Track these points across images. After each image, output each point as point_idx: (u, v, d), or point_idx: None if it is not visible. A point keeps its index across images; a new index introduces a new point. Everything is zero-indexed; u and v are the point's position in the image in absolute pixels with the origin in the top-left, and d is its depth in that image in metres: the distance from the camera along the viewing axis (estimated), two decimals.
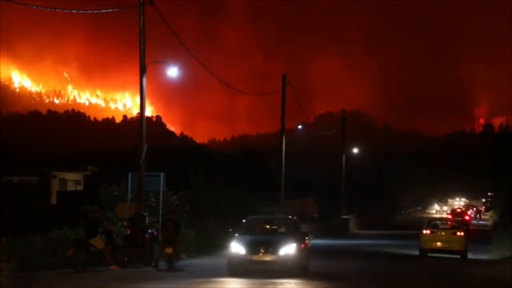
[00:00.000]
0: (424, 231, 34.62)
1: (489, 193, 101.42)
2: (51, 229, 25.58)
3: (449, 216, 68.32)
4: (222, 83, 42.08)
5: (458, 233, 34.14)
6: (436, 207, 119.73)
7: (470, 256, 34.44)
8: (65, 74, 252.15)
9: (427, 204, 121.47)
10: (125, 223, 26.90)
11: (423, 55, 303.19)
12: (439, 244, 33.93)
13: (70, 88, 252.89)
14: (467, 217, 72.10)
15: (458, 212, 76.18)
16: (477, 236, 47.07)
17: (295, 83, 49.13)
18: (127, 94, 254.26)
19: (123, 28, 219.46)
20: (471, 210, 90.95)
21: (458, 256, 33.61)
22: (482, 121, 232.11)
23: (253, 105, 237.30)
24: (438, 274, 26.21)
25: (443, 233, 34.53)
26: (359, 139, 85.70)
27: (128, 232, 25.42)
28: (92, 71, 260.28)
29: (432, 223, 36.17)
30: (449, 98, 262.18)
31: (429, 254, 34.07)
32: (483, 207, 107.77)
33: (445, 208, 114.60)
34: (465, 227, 38.28)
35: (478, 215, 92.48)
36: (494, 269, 28.36)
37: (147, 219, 26.28)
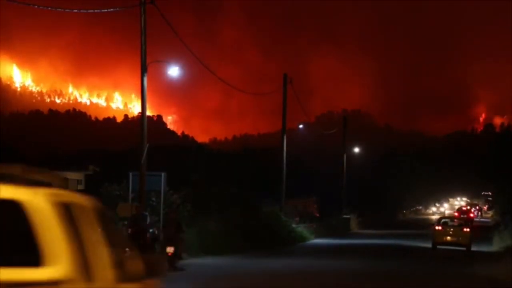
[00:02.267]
0: (436, 227, 40.25)
1: (483, 192, 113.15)
2: None
3: (456, 214, 76.94)
4: (224, 82, 42.22)
5: (465, 229, 39.73)
6: (434, 208, 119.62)
7: (474, 249, 39.25)
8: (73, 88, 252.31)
9: (427, 204, 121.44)
10: (126, 222, 26.92)
11: (424, 55, 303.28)
12: (448, 238, 39.52)
13: (70, 87, 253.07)
14: (471, 215, 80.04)
15: (464, 210, 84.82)
16: (480, 233, 50.02)
17: (295, 82, 49.22)
18: (125, 93, 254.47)
19: (124, 27, 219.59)
20: (474, 208, 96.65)
21: (464, 248, 38.75)
22: (482, 117, 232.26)
23: (254, 105, 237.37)
24: (441, 274, 26.21)
25: (452, 229, 40.07)
26: (360, 139, 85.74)
27: (129, 232, 25.41)
28: (93, 70, 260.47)
29: (443, 221, 42.16)
30: (450, 98, 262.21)
31: (438, 247, 39.12)
32: (486, 205, 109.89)
33: (442, 209, 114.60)
34: (470, 224, 44.49)
35: (479, 213, 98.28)
36: (495, 268, 28.37)
37: (148, 219, 26.25)
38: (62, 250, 5.01)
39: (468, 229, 39.84)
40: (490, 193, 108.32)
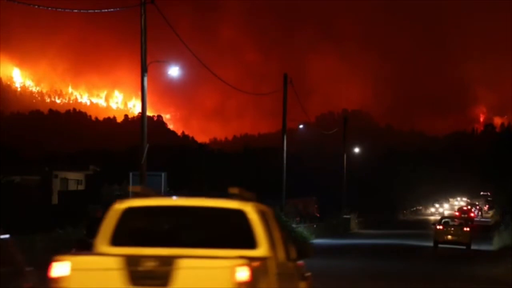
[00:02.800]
0: (438, 227, 42.15)
1: (481, 192, 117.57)
2: (53, 229, 25.56)
3: (457, 213, 78.61)
4: (225, 83, 42.20)
5: (465, 229, 41.55)
6: (432, 209, 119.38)
7: (475, 248, 40.97)
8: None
9: (427, 204, 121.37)
10: None
11: (424, 55, 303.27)
12: (449, 237, 41.33)
13: (70, 87, 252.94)
14: (472, 214, 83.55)
15: (465, 210, 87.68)
16: (480, 233, 51.98)
17: (296, 82, 49.19)
18: (125, 93, 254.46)
19: (124, 27, 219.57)
20: (474, 208, 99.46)
21: (464, 247, 40.57)
22: (483, 118, 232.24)
23: (254, 105, 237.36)
24: (441, 274, 26.20)
25: (452, 229, 41.83)
26: (360, 139, 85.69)
27: None
28: (93, 70, 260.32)
29: (444, 221, 44.05)
30: (451, 98, 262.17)
31: (440, 245, 40.83)
32: (486, 205, 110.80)
33: (440, 210, 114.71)
34: (470, 223, 46.73)
35: (480, 213, 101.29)
36: (495, 268, 28.39)
37: None
38: (264, 239, 8.52)
39: (468, 228, 41.82)
40: (488, 193, 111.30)
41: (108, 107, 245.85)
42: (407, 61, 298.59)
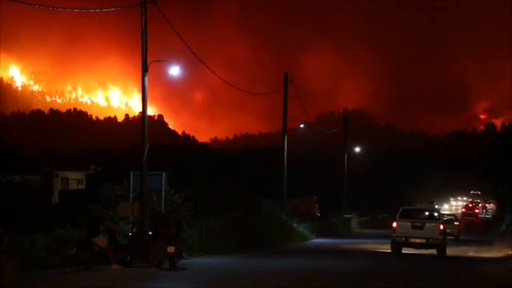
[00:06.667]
0: None
1: (471, 192, 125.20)
2: (53, 228, 25.55)
3: (463, 210, 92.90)
4: (226, 82, 42.30)
5: (455, 223, 51.46)
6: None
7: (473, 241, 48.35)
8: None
9: (428, 204, 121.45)
10: (128, 222, 26.89)
11: (425, 54, 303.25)
12: None
13: (71, 87, 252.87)
14: (476, 210, 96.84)
15: (470, 206, 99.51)
16: (482, 226, 59.52)
17: (296, 82, 49.24)
18: (126, 92, 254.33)
19: (125, 26, 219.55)
20: (478, 206, 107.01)
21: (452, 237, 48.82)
22: (483, 117, 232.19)
23: (255, 104, 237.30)
24: (441, 274, 26.20)
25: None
26: (361, 138, 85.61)
27: (134, 231, 25.27)
28: (94, 70, 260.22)
29: None
30: (451, 98, 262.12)
31: None
32: (489, 203, 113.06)
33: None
34: (475, 218, 56.06)
35: (484, 210, 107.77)
36: (495, 268, 28.39)
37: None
38: (441, 217, 36.71)
39: (457, 223, 51.93)
40: (478, 192, 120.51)
41: (109, 107, 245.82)
42: (408, 60, 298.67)
